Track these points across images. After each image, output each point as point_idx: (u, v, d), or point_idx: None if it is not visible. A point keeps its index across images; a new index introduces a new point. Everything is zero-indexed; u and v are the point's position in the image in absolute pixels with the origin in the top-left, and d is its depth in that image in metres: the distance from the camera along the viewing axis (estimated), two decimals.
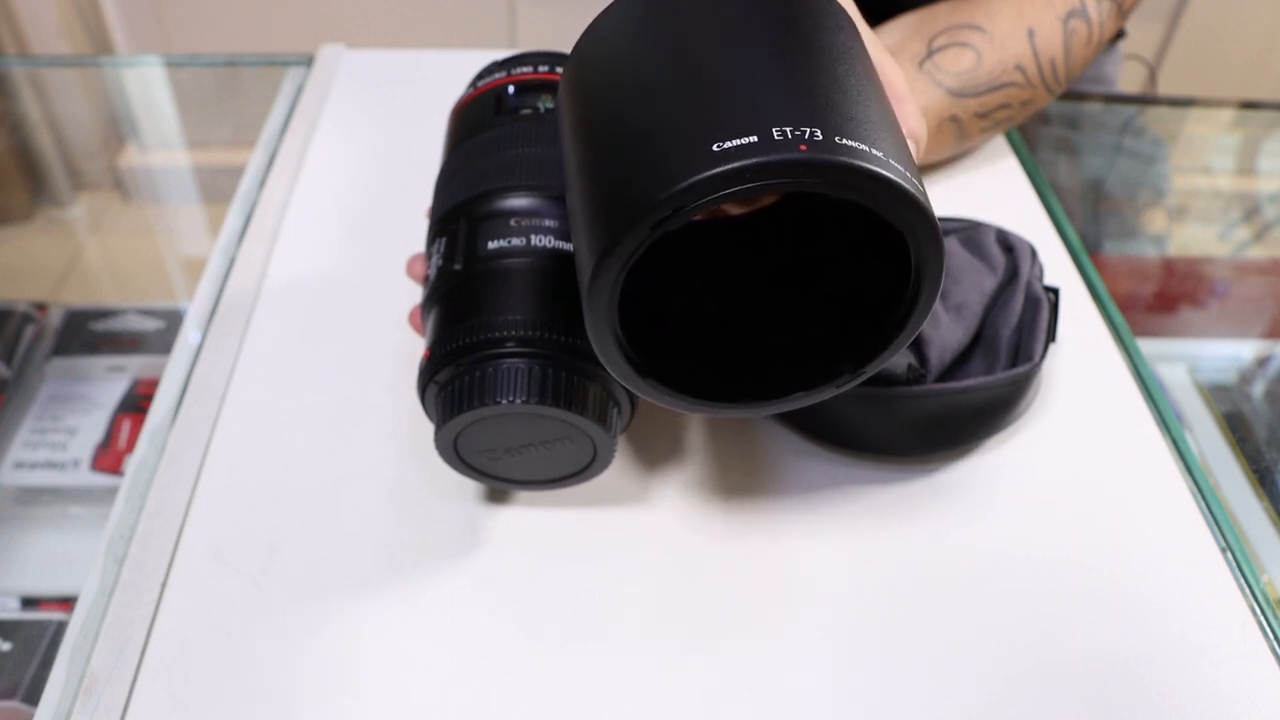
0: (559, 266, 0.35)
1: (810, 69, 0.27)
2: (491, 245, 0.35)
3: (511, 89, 0.40)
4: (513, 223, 0.36)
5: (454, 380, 0.33)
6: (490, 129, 0.39)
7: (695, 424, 0.43)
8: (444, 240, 0.37)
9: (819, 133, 0.25)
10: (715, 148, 0.25)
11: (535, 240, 0.35)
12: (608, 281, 0.27)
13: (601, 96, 0.29)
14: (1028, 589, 0.37)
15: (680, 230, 0.26)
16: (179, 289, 0.73)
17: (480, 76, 0.42)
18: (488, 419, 0.33)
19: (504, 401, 0.32)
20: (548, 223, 0.36)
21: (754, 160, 0.25)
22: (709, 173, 0.25)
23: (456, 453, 0.35)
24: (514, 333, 0.33)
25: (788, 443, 0.42)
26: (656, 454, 0.42)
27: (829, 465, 0.41)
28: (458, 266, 0.35)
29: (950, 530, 0.39)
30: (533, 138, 0.38)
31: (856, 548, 0.39)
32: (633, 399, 0.36)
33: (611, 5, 0.31)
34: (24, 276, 0.74)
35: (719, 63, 0.27)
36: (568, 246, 0.35)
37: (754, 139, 0.25)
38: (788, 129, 0.25)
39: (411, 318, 0.41)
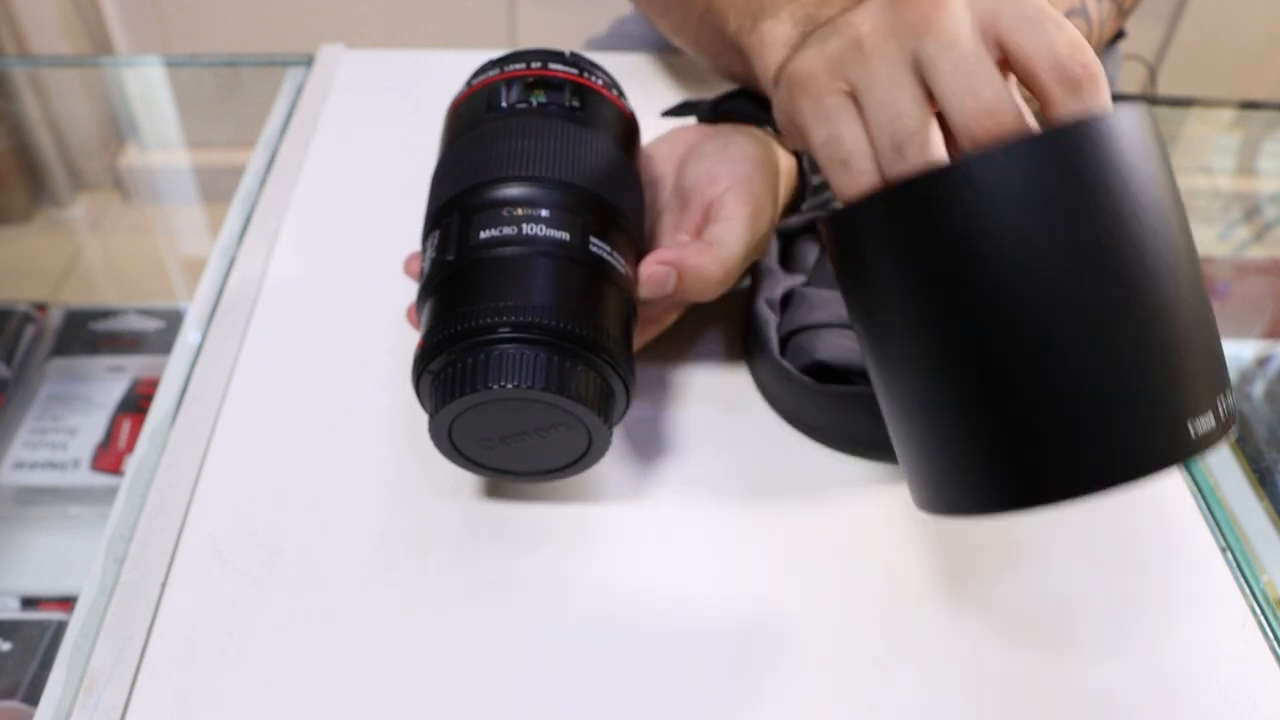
0: (551, 253, 0.35)
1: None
2: (483, 235, 0.35)
3: (504, 85, 0.40)
4: (504, 212, 0.36)
5: (447, 368, 0.33)
6: (482, 124, 0.39)
7: (693, 419, 0.43)
8: (437, 234, 0.37)
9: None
10: (1189, 426, 0.24)
11: (527, 229, 0.35)
12: None
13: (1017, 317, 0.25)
14: (1028, 588, 0.37)
15: None
16: (179, 289, 0.73)
17: (475, 75, 0.42)
18: (481, 405, 0.33)
19: (495, 387, 0.32)
20: (539, 211, 0.36)
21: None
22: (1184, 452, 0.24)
23: (451, 442, 0.35)
24: (506, 318, 0.33)
25: (789, 442, 0.42)
26: (654, 448, 0.42)
27: (832, 465, 0.41)
28: (450, 258, 0.35)
29: (952, 530, 0.39)
30: (523, 131, 0.38)
31: (858, 547, 0.39)
32: (628, 387, 0.36)
33: (995, 154, 0.27)
34: (24, 276, 0.74)
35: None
36: (559, 234, 0.35)
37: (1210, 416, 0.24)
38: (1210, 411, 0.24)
39: (409, 315, 0.41)
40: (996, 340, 0.26)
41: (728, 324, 0.47)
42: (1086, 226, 0.25)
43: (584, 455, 0.36)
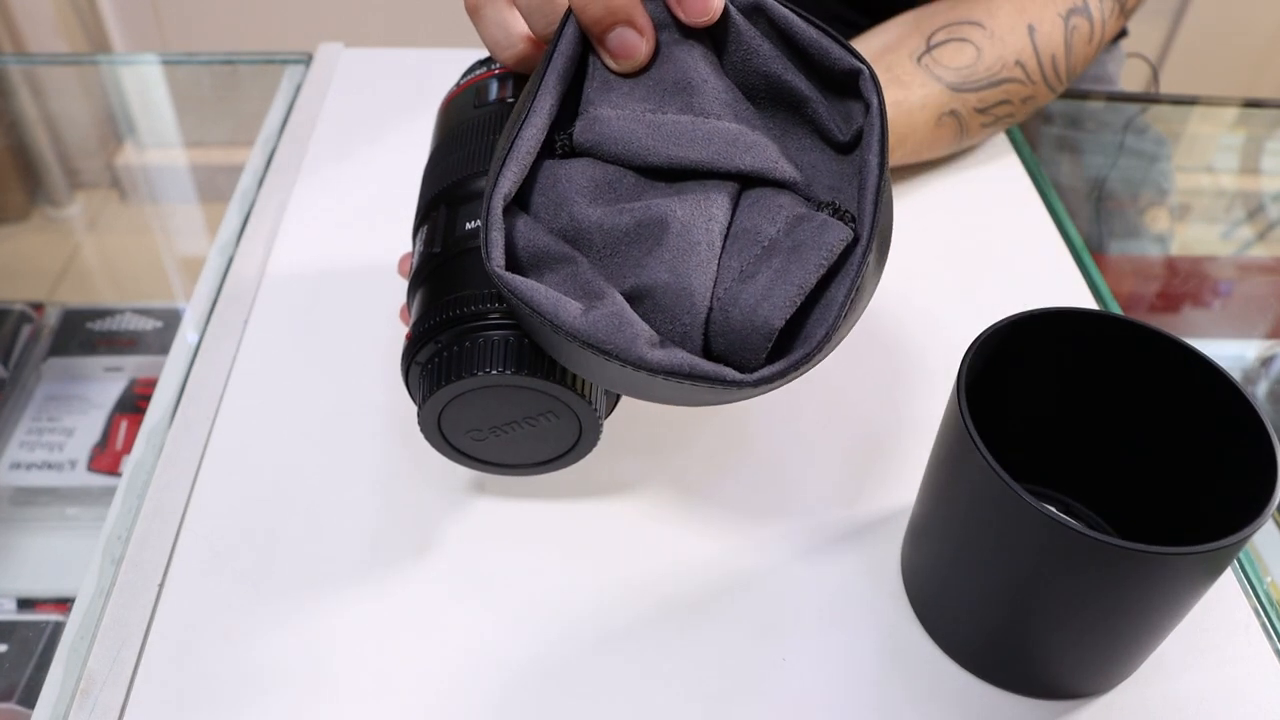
0: None
1: None
2: (469, 225, 0.35)
3: (492, 81, 0.40)
4: None
5: (434, 357, 0.33)
6: (469, 120, 0.39)
7: (691, 412, 0.43)
8: (425, 228, 0.37)
9: None
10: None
11: None
12: None
13: None
14: None
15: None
16: (177, 288, 0.72)
17: (465, 74, 0.42)
18: (469, 393, 0.33)
19: (479, 373, 0.32)
20: None
21: None
22: None
23: (441, 434, 0.35)
24: (493, 305, 0.33)
25: (788, 440, 0.42)
26: (651, 443, 0.42)
27: (837, 461, 0.41)
28: (437, 250, 0.35)
29: None
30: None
31: (863, 547, 0.38)
32: None
33: None
34: (21, 276, 0.74)
35: None
36: None
37: None
38: None
39: (401, 314, 0.40)
40: None
41: None
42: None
43: (575, 445, 0.35)
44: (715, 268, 0.30)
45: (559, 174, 0.32)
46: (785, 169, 0.32)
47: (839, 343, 0.30)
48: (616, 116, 0.32)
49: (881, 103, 0.31)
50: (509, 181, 0.31)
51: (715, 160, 0.31)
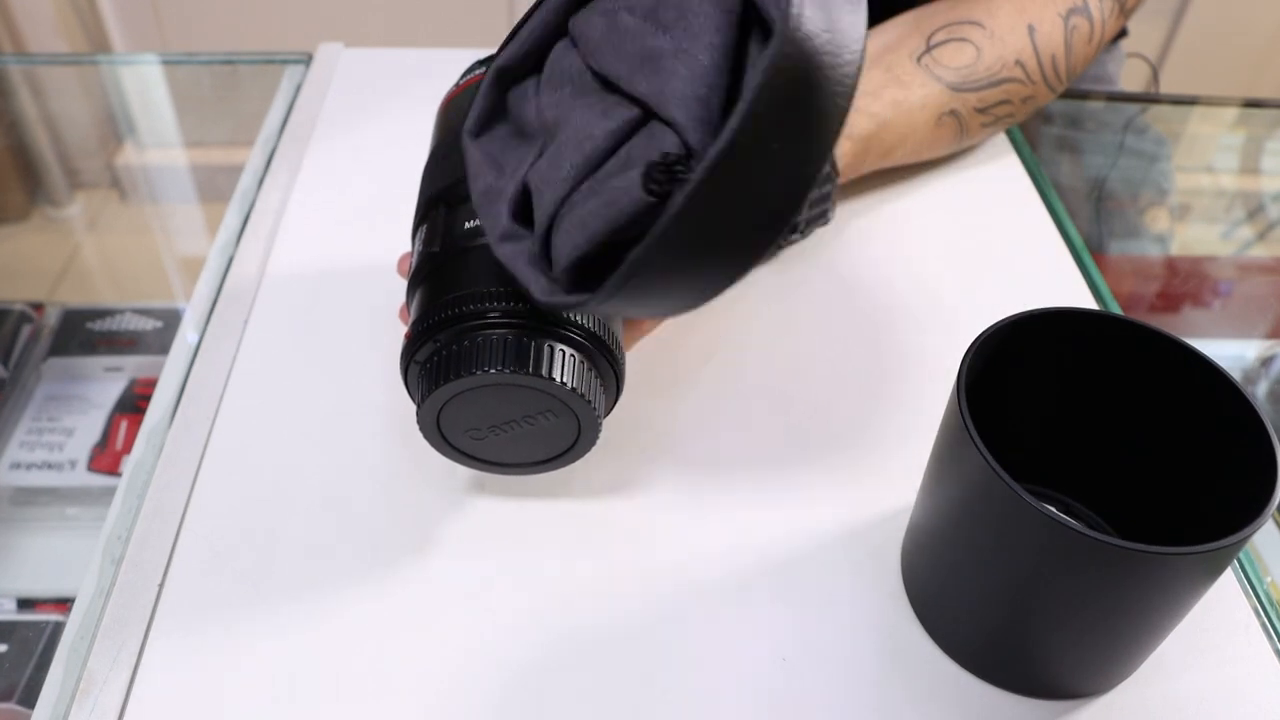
0: None
1: None
2: (468, 225, 0.35)
3: None
4: None
5: (433, 356, 0.33)
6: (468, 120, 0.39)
7: (690, 412, 0.43)
8: (425, 228, 0.37)
9: None
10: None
11: None
12: None
13: None
14: None
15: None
16: (177, 288, 0.72)
17: (464, 74, 0.42)
18: (468, 392, 0.33)
19: (478, 372, 0.32)
20: None
21: None
22: None
23: (440, 433, 0.35)
24: (492, 304, 0.33)
25: (787, 440, 0.42)
26: (649, 443, 0.42)
27: (834, 460, 0.41)
28: (436, 249, 0.36)
29: None
30: None
31: (860, 546, 0.38)
32: (617, 374, 0.35)
33: None
34: (21, 276, 0.74)
35: None
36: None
37: None
38: None
39: (401, 313, 0.41)
40: None
41: (726, 318, 0.47)
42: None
43: (574, 445, 0.35)
44: (570, 186, 0.30)
45: (553, 57, 0.34)
46: (672, 108, 0.28)
47: (637, 294, 0.28)
48: (600, 9, 0.33)
49: (782, 41, 0.24)
50: (505, 55, 0.35)
51: (621, 78, 0.31)
